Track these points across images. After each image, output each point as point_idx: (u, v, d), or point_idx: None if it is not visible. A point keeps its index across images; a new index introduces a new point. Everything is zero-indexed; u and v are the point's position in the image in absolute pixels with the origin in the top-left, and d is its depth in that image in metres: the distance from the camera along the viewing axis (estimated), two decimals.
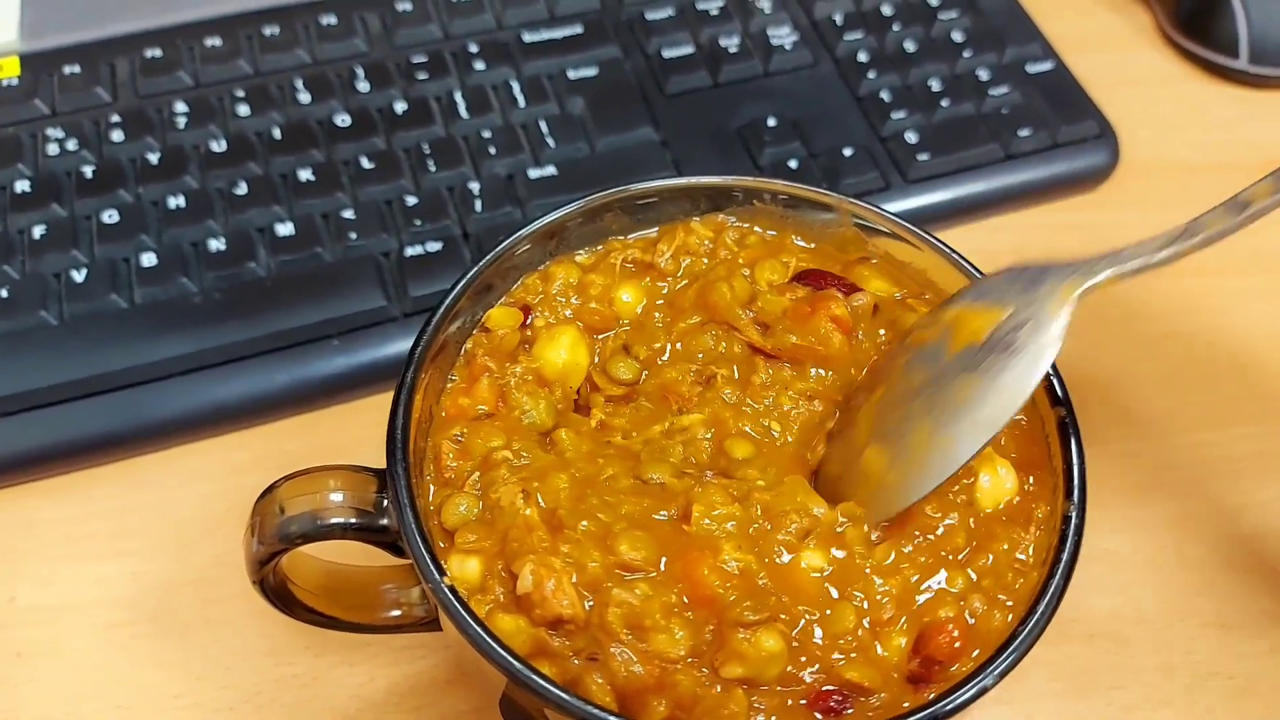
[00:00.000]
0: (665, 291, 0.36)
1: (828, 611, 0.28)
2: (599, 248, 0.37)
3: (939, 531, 0.30)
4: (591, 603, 0.28)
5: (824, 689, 0.28)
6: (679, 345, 0.34)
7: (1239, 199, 0.29)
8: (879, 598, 0.28)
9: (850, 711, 0.27)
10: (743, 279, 0.35)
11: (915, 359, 0.31)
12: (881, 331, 0.34)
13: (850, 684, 0.27)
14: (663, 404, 0.33)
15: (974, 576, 0.29)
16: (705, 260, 0.36)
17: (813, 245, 0.37)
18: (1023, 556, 0.30)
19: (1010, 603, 0.29)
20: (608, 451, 0.32)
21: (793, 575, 0.29)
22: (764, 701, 0.27)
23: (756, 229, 0.37)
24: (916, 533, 0.30)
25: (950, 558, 0.29)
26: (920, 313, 0.34)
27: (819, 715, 0.27)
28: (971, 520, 0.30)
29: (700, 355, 0.34)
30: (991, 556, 0.29)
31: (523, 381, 0.33)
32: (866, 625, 0.28)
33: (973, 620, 0.28)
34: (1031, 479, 0.31)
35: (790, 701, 0.27)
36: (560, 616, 0.28)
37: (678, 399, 0.33)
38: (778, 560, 0.29)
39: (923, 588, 0.29)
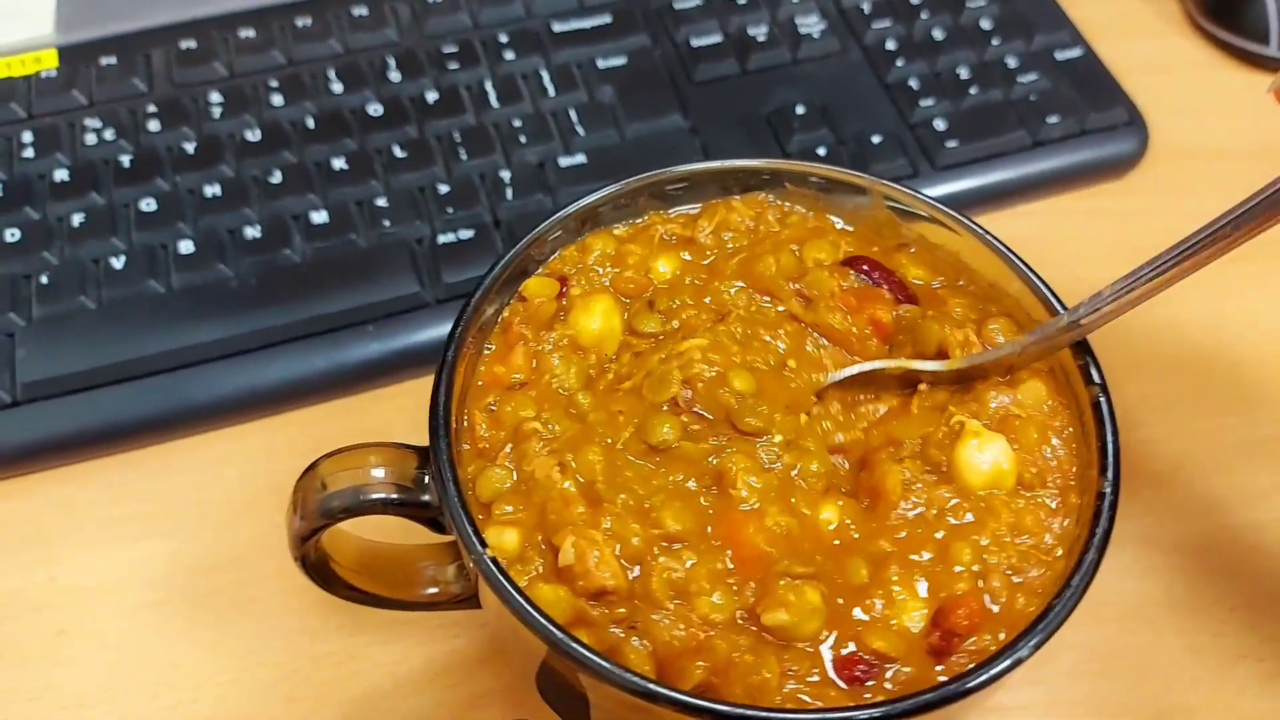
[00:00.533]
0: (706, 262, 0.36)
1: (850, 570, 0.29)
2: (638, 221, 0.37)
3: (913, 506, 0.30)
4: (636, 573, 0.28)
5: (849, 654, 0.28)
6: (707, 300, 0.35)
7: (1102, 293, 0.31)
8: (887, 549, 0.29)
9: (872, 684, 0.28)
10: (790, 254, 0.35)
11: None
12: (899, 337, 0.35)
13: (876, 652, 0.28)
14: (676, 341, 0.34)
15: (984, 553, 0.29)
16: (745, 239, 0.36)
17: (851, 228, 0.37)
18: (1049, 540, 0.30)
19: (1036, 575, 0.29)
20: (618, 404, 0.32)
21: (816, 530, 0.30)
22: (796, 666, 0.28)
23: (798, 209, 0.37)
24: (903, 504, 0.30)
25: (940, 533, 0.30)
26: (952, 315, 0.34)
27: (843, 684, 0.28)
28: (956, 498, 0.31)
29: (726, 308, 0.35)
30: (994, 535, 0.30)
31: (557, 347, 0.33)
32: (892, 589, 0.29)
33: (992, 603, 0.29)
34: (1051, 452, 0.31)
35: (817, 669, 0.28)
36: (604, 588, 0.28)
37: (688, 331, 0.33)
38: (805, 514, 0.30)
39: (925, 559, 0.29)
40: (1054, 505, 0.30)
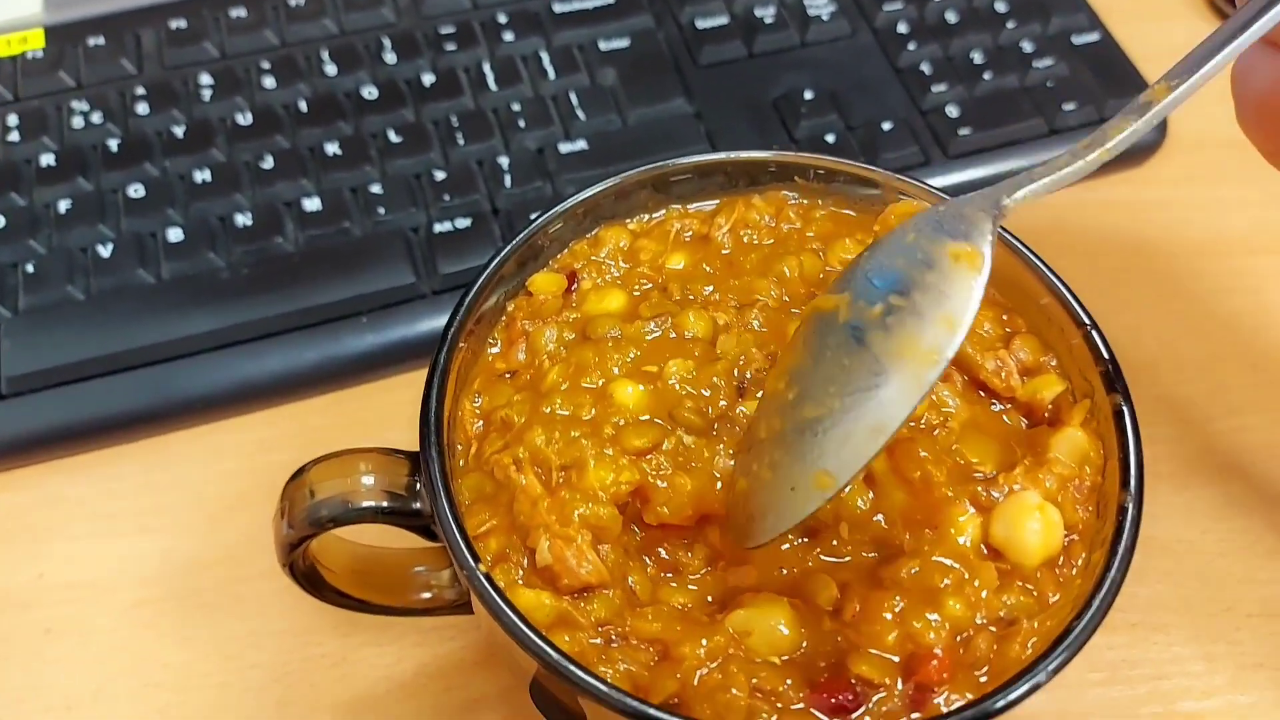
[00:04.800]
0: (724, 253, 0.35)
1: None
2: (654, 216, 0.36)
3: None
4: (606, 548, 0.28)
5: (828, 682, 0.27)
6: (731, 298, 0.34)
7: (1138, 102, 0.28)
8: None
9: (857, 713, 0.27)
10: (812, 254, 0.34)
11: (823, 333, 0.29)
12: None
13: (861, 678, 0.27)
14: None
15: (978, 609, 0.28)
16: (766, 237, 0.35)
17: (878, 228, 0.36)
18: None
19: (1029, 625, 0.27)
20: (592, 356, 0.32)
21: None
22: (768, 686, 0.27)
23: (820, 204, 0.36)
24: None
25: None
26: None
27: (823, 715, 0.26)
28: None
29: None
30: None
31: (560, 324, 0.33)
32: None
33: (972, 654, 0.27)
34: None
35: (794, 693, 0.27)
36: (588, 584, 0.27)
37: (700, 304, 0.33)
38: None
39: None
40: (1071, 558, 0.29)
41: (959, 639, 0.27)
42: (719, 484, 0.29)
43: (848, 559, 0.29)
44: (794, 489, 0.26)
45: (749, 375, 0.31)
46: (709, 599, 0.29)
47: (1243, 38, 0.27)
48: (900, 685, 0.27)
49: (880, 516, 0.29)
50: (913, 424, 0.30)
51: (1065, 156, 0.28)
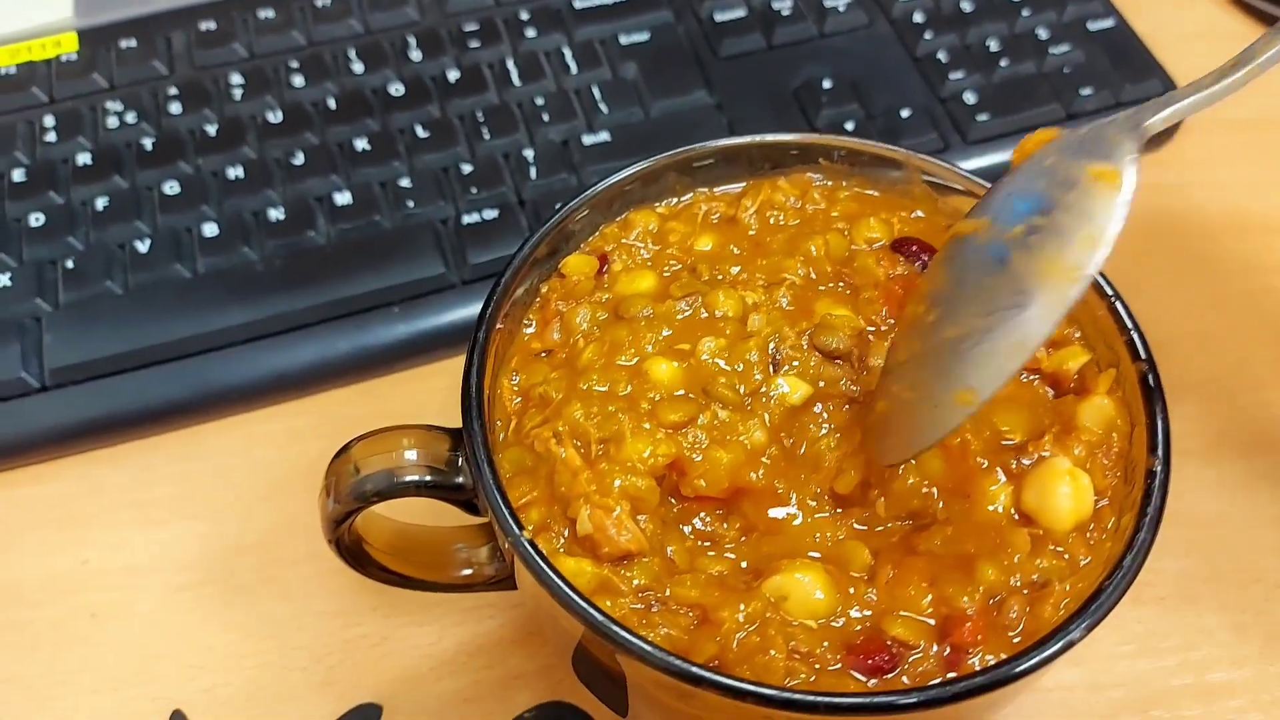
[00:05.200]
0: (751, 234, 0.35)
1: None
2: (682, 200, 0.37)
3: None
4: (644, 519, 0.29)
5: (865, 644, 0.27)
6: (759, 277, 0.34)
7: None
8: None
9: (891, 675, 0.27)
10: (838, 234, 0.35)
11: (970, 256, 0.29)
12: None
13: (897, 639, 0.27)
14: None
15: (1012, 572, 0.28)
16: (793, 218, 0.36)
17: (921, 214, 0.36)
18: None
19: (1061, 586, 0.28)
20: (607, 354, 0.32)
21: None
22: (804, 648, 0.27)
23: (844, 185, 0.36)
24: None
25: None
26: None
27: (860, 675, 0.27)
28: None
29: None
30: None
31: (594, 304, 0.33)
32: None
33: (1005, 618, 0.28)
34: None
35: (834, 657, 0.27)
36: (627, 551, 0.28)
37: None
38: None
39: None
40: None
41: (992, 602, 0.28)
42: (757, 457, 0.30)
43: (880, 529, 0.30)
44: (936, 406, 0.27)
45: (782, 351, 0.32)
46: (744, 566, 0.29)
47: None
48: (935, 648, 0.27)
49: (913, 481, 0.29)
50: None
51: (1211, 76, 0.27)
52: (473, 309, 0.42)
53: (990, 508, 0.29)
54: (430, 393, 0.46)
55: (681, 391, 0.31)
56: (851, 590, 0.28)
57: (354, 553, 0.32)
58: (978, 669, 0.26)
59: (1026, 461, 0.29)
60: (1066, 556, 0.28)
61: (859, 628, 0.28)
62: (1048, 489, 0.28)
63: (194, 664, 0.39)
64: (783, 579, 0.28)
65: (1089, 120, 0.50)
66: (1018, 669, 0.25)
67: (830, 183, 0.37)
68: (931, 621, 0.27)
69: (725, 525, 0.30)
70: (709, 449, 0.30)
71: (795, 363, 0.32)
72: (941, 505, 0.29)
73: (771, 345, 0.32)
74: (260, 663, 0.39)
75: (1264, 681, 0.37)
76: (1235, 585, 0.39)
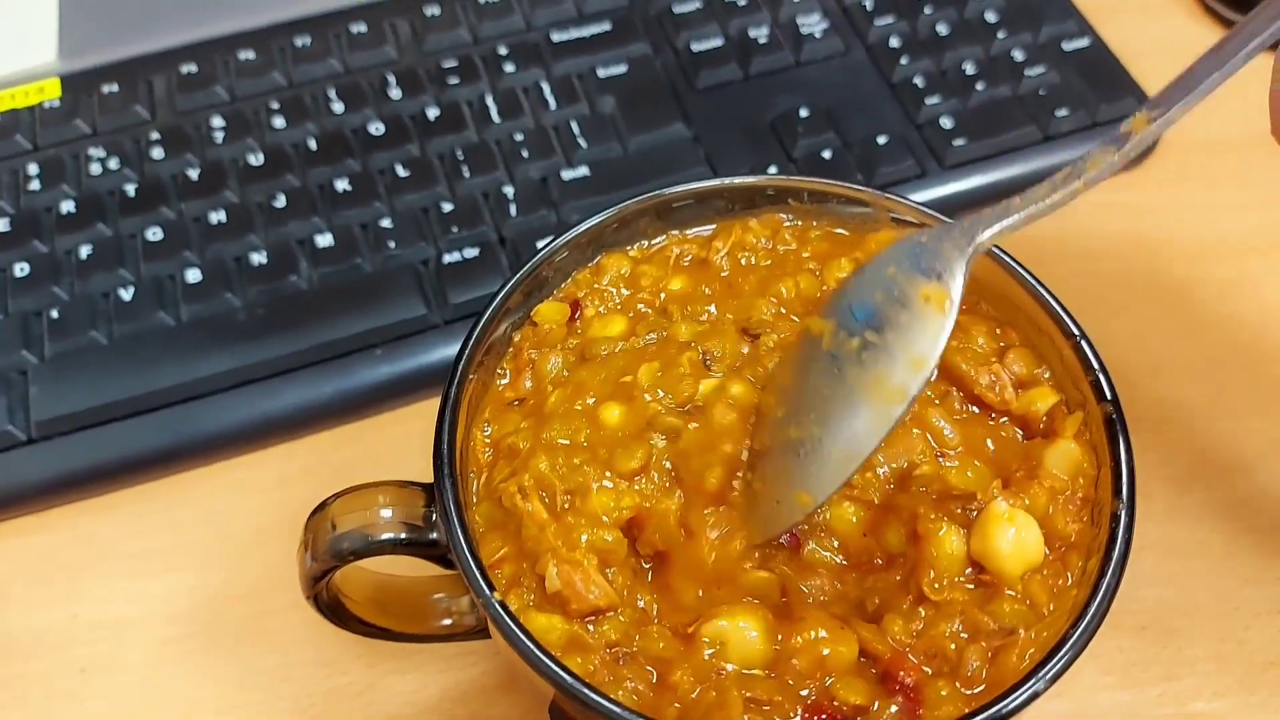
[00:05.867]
0: (723, 275, 0.36)
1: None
2: (654, 242, 0.37)
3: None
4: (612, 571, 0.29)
5: (817, 705, 0.27)
6: (728, 316, 0.35)
7: (1118, 132, 0.29)
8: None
9: None
10: (809, 275, 0.35)
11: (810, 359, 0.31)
12: None
13: (851, 705, 0.27)
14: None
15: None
16: (764, 259, 0.36)
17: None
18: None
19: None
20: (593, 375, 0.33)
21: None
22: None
23: (815, 224, 0.37)
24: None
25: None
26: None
27: None
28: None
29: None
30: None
31: (563, 350, 0.34)
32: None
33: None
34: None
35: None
36: (597, 608, 0.28)
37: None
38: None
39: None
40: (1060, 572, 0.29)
41: (953, 649, 0.28)
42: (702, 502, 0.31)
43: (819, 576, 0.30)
44: (779, 503, 0.29)
45: (713, 353, 0.33)
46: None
47: (1223, 69, 0.28)
48: (893, 707, 0.27)
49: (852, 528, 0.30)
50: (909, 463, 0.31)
51: (1044, 187, 0.29)
52: (455, 349, 0.43)
53: (939, 556, 0.29)
54: (416, 433, 0.46)
55: (632, 431, 0.32)
56: (780, 637, 0.28)
57: (333, 608, 0.33)
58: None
59: (974, 509, 0.29)
60: (1029, 603, 0.28)
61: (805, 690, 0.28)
62: (989, 534, 0.28)
63: (182, 717, 0.39)
64: (718, 623, 0.28)
65: (1065, 142, 0.51)
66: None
67: (800, 223, 0.37)
68: (873, 670, 0.28)
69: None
70: (658, 501, 0.30)
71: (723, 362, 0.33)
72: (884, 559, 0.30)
73: (701, 350, 0.33)
74: (247, 715, 0.39)
75: (1245, 712, 0.37)
76: (1215, 615, 0.39)
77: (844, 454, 0.28)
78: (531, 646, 0.26)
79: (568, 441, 0.31)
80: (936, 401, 0.32)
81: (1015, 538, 0.28)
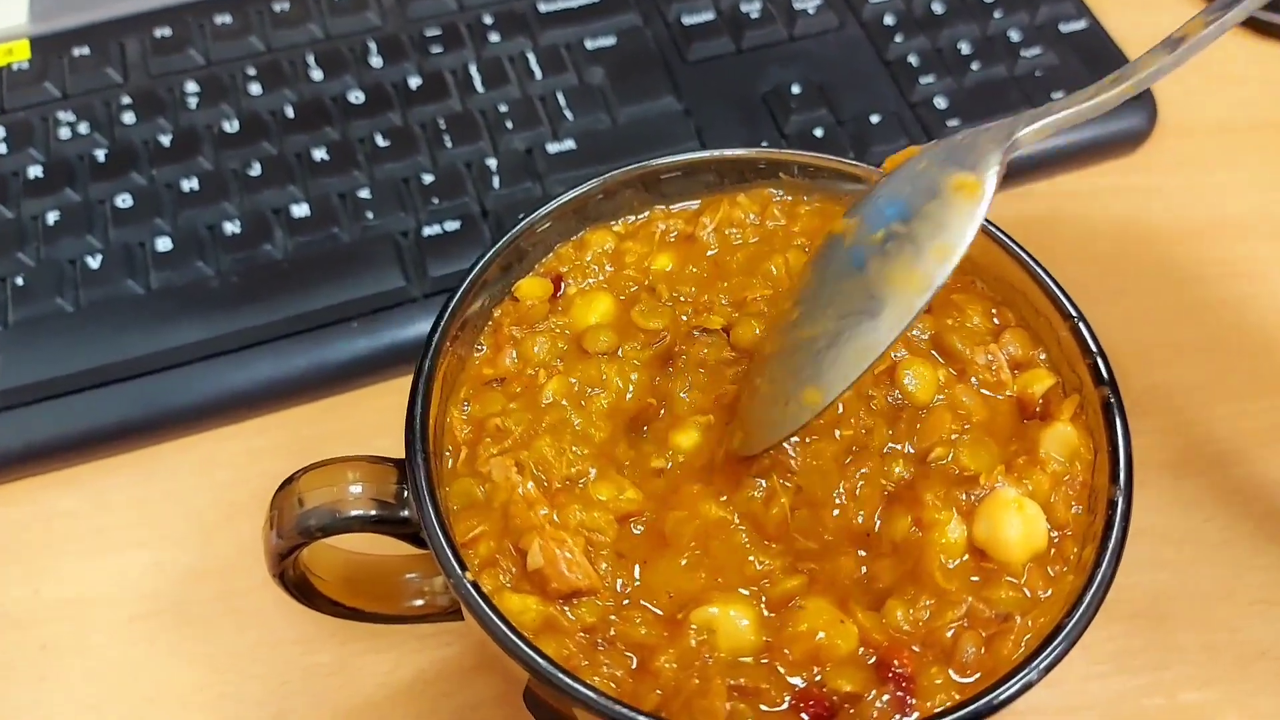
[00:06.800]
0: (710, 254, 0.35)
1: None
2: (639, 217, 0.36)
3: None
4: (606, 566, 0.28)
5: (806, 692, 0.26)
6: (722, 300, 0.34)
7: (1172, 37, 0.27)
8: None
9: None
10: (798, 251, 0.34)
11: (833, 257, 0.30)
12: None
13: (843, 694, 0.26)
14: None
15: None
16: (752, 235, 0.35)
17: None
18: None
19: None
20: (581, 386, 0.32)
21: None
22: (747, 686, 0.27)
23: (805, 201, 0.36)
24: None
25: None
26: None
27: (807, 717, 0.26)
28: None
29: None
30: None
31: (548, 333, 0.33)
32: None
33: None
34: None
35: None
36: (577, 589, 0.27)
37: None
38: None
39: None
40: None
41: (949, 635, 0.27)
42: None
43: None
44: (786, 403, 0.27)
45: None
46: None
47: None
48: (886, 697, 0.26)
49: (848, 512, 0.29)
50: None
51: (1090, 89, 0.27)
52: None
53: (942, 542, 0.28)
54: (392, 408, 0.43)
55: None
56: (772, 621, 0.27)
57: (301, 587, 0.31)
58: (935, 711, 0.25)
59: (977, 495, 0.28)
60: (1027, 590, 0.27)
61: (799, 680, 0.27)
62: (996, 521, 0.27)
63: (149, 697, 0.38)
64: (708, 610, 0.27)
65: None
66: (976, 712, 0.24)
67: (791, 198, 0.36)
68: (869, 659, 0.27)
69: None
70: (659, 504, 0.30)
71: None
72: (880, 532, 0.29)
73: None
74: (217, 695, 0.38)
75: (1235, 701, 0.36)
76: (1207, 603, 0.38)
77: (861, 349, 0.26)
78: (504, 628, 0.25)
79: (576, 426, 0.31)
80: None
81: (1022, 525, 0.27)
